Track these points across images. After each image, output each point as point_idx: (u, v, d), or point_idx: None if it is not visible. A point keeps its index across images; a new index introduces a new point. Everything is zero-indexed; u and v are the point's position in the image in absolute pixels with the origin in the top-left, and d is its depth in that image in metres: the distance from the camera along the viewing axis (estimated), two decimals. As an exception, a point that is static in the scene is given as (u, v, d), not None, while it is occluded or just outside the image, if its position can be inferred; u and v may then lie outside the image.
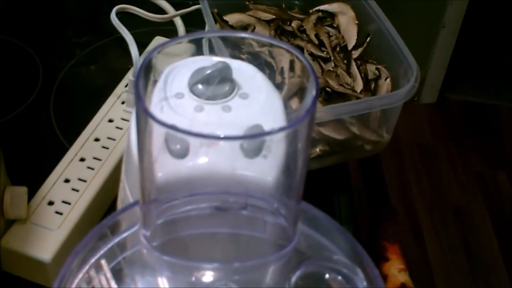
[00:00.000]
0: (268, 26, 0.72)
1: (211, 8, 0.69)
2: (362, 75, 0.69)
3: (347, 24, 0.73)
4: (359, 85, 0.68)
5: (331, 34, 0.73)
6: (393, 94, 0.64)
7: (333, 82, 0.66)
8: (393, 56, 0.68)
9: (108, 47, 0.83)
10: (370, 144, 0.68)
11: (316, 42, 0.71)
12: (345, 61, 0.70)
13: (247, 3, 0.74)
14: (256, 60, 0.65)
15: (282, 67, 0.64)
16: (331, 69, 0.68)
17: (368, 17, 0.72)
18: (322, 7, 0.75)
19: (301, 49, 0.70)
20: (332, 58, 0.69)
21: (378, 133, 0.68)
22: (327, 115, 0.62)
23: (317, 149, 0.66)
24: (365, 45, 0.72)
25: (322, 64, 0.70)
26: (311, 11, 0.75)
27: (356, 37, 0.72)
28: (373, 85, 0.69)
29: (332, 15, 0.75)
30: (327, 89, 0.66)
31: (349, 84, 0.68)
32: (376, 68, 0.70)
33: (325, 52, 0.70)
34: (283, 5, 0.76)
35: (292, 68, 0.63)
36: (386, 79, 0.69)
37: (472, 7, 1.85)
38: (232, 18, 0.72)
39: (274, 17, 0.74)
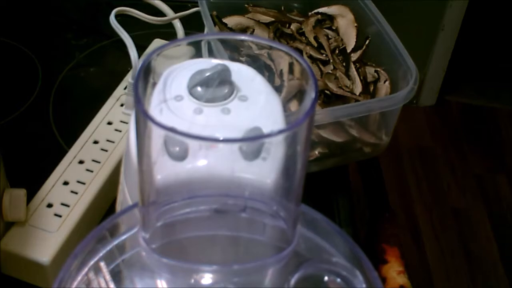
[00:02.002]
0: (267, 28, 0.72)
1: (210, 11, 0.69)
2: (361, 77, 0.69)
3: (346, 26, 0.73)
4: (358, 88, 0.68)
5: (330, 36, 0.73)
6: (392, 97, 0.64)
7: (332, 84, 0.66)
8: (392, 58, 0.68)
9: (107, 50, 0.83)
10: (369, 147, 0.68)
11: (315, 44, 0.71)
12: (344, 64, 0.70)
13: (246, 5, 0.74)
14: (255, 62, 0.65)
15: (281, 70, 0.64)
16: (330, 71, 0.68)
17: (367, 19, 0.72)
18: (321, 10, 0.75)
19: (300, 51, 0.70)
20: (331, 60, 0.70)
21: (377, 135, 0.68)
22: (326, 118, 0.62)
23: (316, 152, 0.66)
24: (364, 47, 0.72)
25: (321, 66, 0.70)
26: (310, 13, 0.75)
27: (355, 40, 0.72)
28: (372, 88, 0.70)
29: (331, 18, 0.75)
30: (326, 91, 0.66)
31: (348, 87, 0.68)
32: (375, 71, 0.70)
33: (324, 55, 0.70)
34: (282, 8, 0.76)
35: (291, 70, 0.63)
36: (385, 82, 0.69)
37: (471, 10, 1.86)
38: (231, 20, 0.73)
39: (273, 19, 0.74)
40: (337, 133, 0.65)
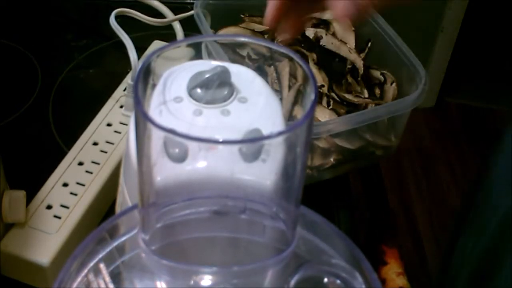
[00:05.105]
0: (263, 37, 0.72)
1: (210, 12, 0.69)
2: (365, 80, 0.68)
3: (343, 31, 0.72)
4: (364, 92, 0.68)
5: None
6: (406, 99, 0.63)
7: (349, 95, 0.66)
8: (394, 59, 0.67)
9: (107, 51, 0.83)
10: (381, 150, 0.68)
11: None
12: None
13: (242, 16, 0.74)
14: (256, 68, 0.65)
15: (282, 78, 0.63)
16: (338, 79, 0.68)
17: (365, 21, 0.71)
18: (314, 15, 0.74)
19: (305, 58, 0.69)
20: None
21: (387, 137, 0.67)
22: (344, 125, 0.61)
23: (331, 159, 0.65)
24: (366, 50, 0.71)
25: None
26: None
27: (354, 44, 0.72)
28: (379, 91, 0.69)
29: (326, 23, 0.74)
30: (331, 94, 0.66)
31: (361, 92, 0.67)
32: (381, 73, 0.69)
33: (337, 59, 0.69)
34: None
35: (293, 75, 0.63)
36: (391, 84, 0.68)
37: (470, 11, 1.86)
38: (227, 32, 0.72)
39: (268, 28, 0.73)
40: (351, 140, 0.64)
